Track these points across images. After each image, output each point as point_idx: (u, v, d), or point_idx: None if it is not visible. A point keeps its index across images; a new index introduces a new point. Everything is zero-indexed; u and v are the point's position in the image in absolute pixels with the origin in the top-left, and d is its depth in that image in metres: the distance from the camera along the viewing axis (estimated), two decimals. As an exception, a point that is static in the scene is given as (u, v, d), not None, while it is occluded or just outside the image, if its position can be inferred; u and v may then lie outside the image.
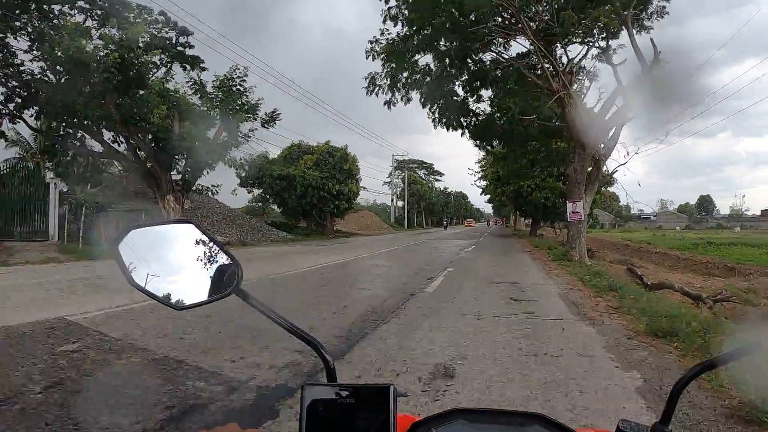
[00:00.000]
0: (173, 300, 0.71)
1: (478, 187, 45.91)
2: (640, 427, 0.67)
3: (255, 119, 14.07)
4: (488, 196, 50.37)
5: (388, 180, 52.48)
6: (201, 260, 0.73)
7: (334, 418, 0.59)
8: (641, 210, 74.44)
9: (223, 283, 0.72)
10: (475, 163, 35.70)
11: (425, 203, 61.34)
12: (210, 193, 16.62)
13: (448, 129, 13.03)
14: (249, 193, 23.45)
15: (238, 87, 13.66)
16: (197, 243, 0.73)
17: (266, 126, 14.49)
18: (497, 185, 25.87)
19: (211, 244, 0.73)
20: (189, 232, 0.73)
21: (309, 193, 22.97)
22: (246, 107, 13.60)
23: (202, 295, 0.72)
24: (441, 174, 76.62)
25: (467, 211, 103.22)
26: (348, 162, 24.42)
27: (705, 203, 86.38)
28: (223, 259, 0.73)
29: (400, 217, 47.30)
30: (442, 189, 74.95)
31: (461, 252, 12.78)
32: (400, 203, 52.19)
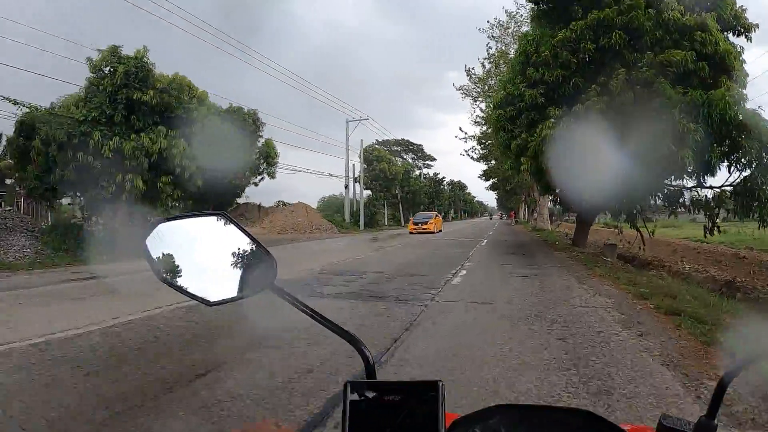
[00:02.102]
0: (203, 296, 0.73)
1: (471, 157, 33.81)
2: (682, 421, 0.67)
3: None
4: (491, 181, 40.85)
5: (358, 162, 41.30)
6: (233, 254, 0.74)
7: (378, 417, 0.58)
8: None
9: (257, 278, 0.73)
10: (470, 118, 30.27)
11: (404, 192, 49.41)
12: None
13: None
14: None
15: None
16: (229, 236, 0.74)
17: None
18: (511, 134, 14.18)
19: (245, 238, 0.75)
20: (221, 225, 0.74)
21: (59, 160, 13.52)
22: None
23: (234, 290, 0.74)
24: (432, 159, 67.74)
25: (466, 203, 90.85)
26: (149, 86, 14.81)
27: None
28: (257, 253, 0.75)
29: (365, 212, 38.99)
30: (431, 175, 65.91)
31: None
32: (368, 192, 43.19)
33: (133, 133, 14.33)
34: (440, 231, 31.00)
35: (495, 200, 68.09)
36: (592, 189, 10.32)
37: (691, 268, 14.57)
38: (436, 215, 35.14)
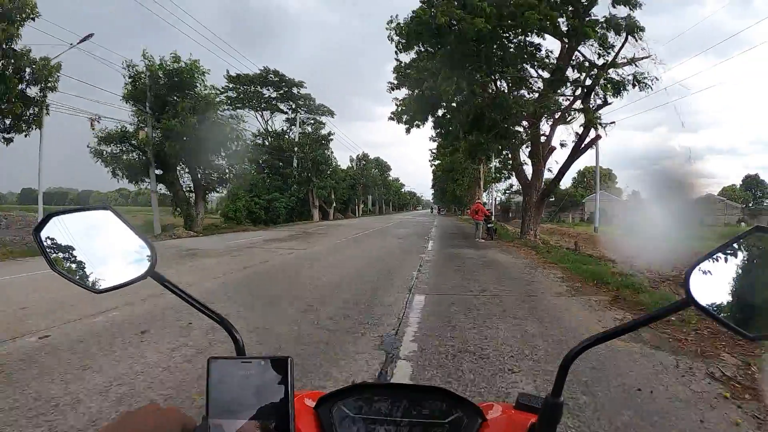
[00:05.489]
0: (91, 284, 0.79)
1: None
2: (536, 399, 0.74)
3: None
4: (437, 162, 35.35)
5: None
6: (118, 245, 0.81)
7: (237, 390, 0.63)
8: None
9: (140, 266, 0.80)
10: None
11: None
12: None
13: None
14: None
15: None
16: (115, 229, 0.80)
17: None
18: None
19: (128, 230, 0.81)
20: (107, 218, 0.81)
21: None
22: None
23: (120, 278, 0.80)
24: (329, 113, 43.69)
25: (388, 190, 76.67)
26: None
27: (753, 185, 78.07)
28: (139, 243, 0.81)
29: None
30: (310, 131, 41.71)
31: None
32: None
33: None
34: None
35: (432, 194, 59.10)
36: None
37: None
38: None
